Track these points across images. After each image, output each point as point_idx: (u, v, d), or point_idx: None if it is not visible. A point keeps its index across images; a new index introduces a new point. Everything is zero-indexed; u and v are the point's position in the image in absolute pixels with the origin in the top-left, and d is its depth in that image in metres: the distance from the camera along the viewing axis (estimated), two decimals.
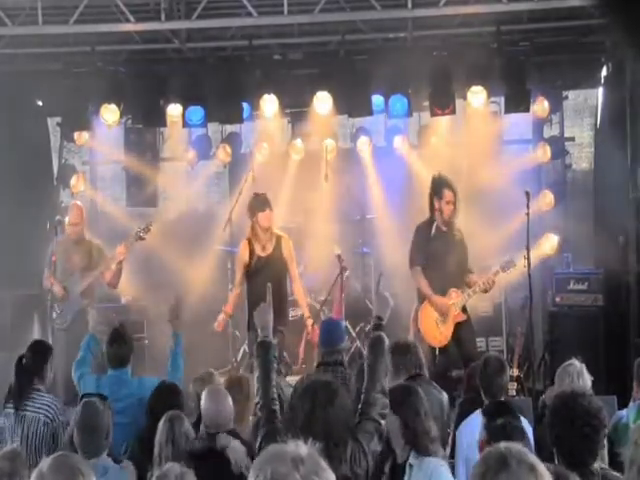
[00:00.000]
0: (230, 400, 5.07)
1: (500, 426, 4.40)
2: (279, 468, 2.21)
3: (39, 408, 5.85)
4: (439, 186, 8.25)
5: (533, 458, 2.63)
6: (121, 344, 6.30)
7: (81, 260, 8.54)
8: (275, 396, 4.30)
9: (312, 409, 3.79)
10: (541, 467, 2.61)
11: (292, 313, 8.91)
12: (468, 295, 8.27)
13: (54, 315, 8.50)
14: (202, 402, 5.04)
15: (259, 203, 8.36)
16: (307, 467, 2.22)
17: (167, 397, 5.59)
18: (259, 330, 4.53)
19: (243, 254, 8.44)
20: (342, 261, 9.30)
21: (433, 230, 8.30)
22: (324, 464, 2.28)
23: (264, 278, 8.27)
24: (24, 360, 6.06)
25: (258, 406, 4.27)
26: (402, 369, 5.82)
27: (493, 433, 4.33)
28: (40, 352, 6.20)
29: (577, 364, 5.71)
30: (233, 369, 9.62)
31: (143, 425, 5.81)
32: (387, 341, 4.43)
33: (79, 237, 8.66)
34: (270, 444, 3.86)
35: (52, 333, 8.48)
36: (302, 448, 2.27)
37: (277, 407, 4.26)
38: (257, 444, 4.15)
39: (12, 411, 5.87)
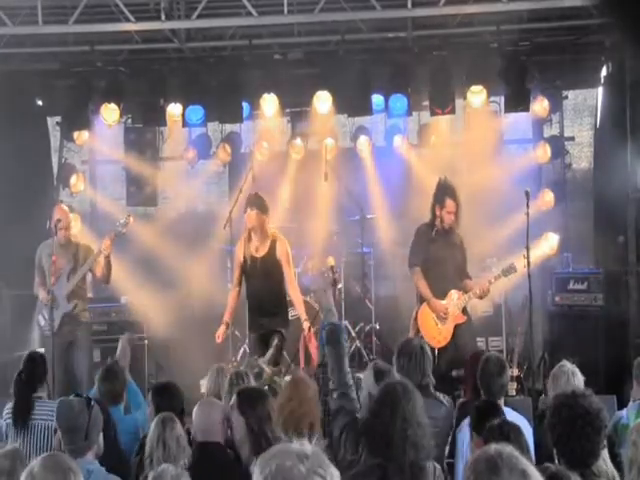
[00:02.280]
0: (220, 411, 4.95)
1: (497, 426, 4.39)
2: (284, 462, 2.25)
3: (48, 416, 5.76)
4: (442, 194, 8.18)
5: (524, 463, 2.60)
6: (113, 381, 6.17)
7: (67, 263, 8.36)
8: (351, 382, 4.29)
9: (394, 413, 3.81)
10: (533, 471, 2.58)
11: (292, 312, 8.89)
12: (467, 298, 8.27)
13: (42, 322, 8.35)
14: (193, 414, 4.93)
15: (246, 203, 8.31)
16: (312, 462, 2.26)
17: (173, 397, 5.59)
18: (322, 314, 4.50)
19: (238, 254, 8.41)
20: (335, 273, 9.06)
21: (433, 233, 8.28)
22: (328, 461, 2.31)
23: (260, 279, 8.28)
24: (23, 375, 5.97)
25: (335, 394, 4.24)
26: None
27: (490, 433, 4.31)
28: (38, 364, 6.12)
29: (568, 365, 5.71)
30: (233, 368, 9.60)
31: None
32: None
33: (66, 239, 8.46)
34: (351, 434, 3.93)
35: (40, 339, 8.39)
36: (307, 446, 2.31)
37: (354, 395, 4.24)
38: (338, 433, 4.12)
39: (19, 425, 5.81)
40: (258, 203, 8.21)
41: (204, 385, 6.37)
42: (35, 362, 6.12)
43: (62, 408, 4.78)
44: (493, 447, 2.65)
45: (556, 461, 3.77)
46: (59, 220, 8.31)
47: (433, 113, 10.37)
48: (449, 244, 8.28)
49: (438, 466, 4.15)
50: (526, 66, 10.15)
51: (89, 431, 4.67)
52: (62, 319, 8.28)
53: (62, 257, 8.36)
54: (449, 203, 8.14)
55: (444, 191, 8.19)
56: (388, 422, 3.84)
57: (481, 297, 8.31)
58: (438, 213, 8.21)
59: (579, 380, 5.60)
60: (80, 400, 4.82)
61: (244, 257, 8.32)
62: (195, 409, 4.96)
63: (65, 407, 4.77)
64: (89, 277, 8.70)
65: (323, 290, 4.67)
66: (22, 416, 5.83)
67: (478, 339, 9.15)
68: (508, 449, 2.63)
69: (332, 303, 4.67)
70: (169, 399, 5.52)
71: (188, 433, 5.08)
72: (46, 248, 8.41)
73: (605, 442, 3.88)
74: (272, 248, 8.24)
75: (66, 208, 8.83)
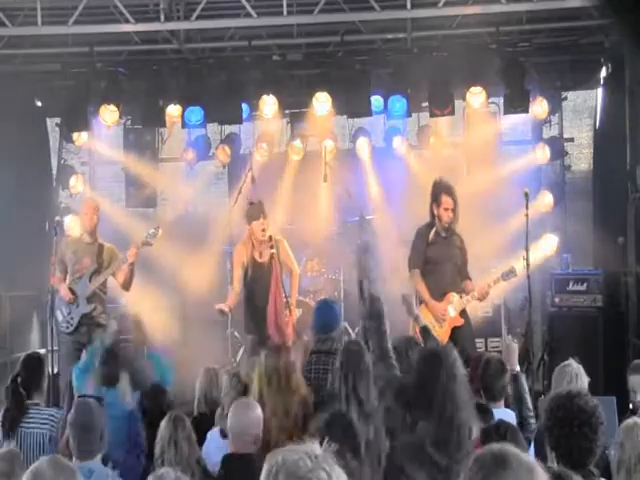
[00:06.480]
0: (258, 412, 4.82)
1: (493, 426, 4.37)
2: (291, 455, 2.31)
3: (43, 423, 5.66)
4: (438, 192, 8.13)
5: (530, 458, 2.63)
6: (112, 365, 6.10)
7: (92, 263, 8.28)
8: (392, 352, 4.40)
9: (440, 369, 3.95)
10: (538, 467, 2.60)
11: (296, 314, 8.88)
12: (466, 300, 8.26)
13: (60, 317, 8.22)
14: (229, 416, 4.81)
15: (252, 212, 8.23)
16: (319, 459, 2.31)
17: (159, 400, 5.57)
18: (364, 281, 4.54)
19: (241, 253, 8.35)
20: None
21: (432, 234, 8.25)
22: (336, 464, 2.35)
23: (263, 284, 8.26)
24: (19, 379, 5.82)
25: (379, 364, 4.31)
26: None
27: (486, 434, 4.29)
28: (35, 367, 5.98)
29: (574, 365, 5.61)
30: (232, 369, 9.59)
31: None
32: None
33: (92, 238, 8.40)
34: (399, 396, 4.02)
35: (57, 335, 8.29)
36: (317, 448, 2.35)
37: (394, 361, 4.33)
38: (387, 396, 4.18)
39: (7, 434, 5.65)
40: (263, 211, 8.21)
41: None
42: (31, 368, 5.94)
43: (82, 408, 4.73)
44: (497, 445, 2.66)
45: (554, 462, 3.76)
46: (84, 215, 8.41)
47: (432, 114, 10.38)
48: (448, 245, 8.26)
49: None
50: (525, 67, 10.16)
51: (103, 432, 4.67)
52: (80, 319, 8.23)
53: (87, 256, 8.30)
54: (445, 200, 8.10)
55: (440, 189, 8.15)
56: (434, 377, 3.97)
57: (480, 300, 8.31)
58: (436, 212, 8.16)
59: (582, 382, 5.49)
60: (95, 401, 4.82)
61: (247, 262, 8.28)
62: (231, 411, 4.83)
63: (83, 406, 4.74)
64: (110, 280, 8.50)
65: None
66: (12, 425, 5.64)
67: (477, 340, 9.14)
68: (512, 447, 2.65)
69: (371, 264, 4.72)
70: (160, 403, 5.50)
71: None
72: (71, 245, 8.38)
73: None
74: (275, 250, 8.24)
75: (96, 200, 8.84)
